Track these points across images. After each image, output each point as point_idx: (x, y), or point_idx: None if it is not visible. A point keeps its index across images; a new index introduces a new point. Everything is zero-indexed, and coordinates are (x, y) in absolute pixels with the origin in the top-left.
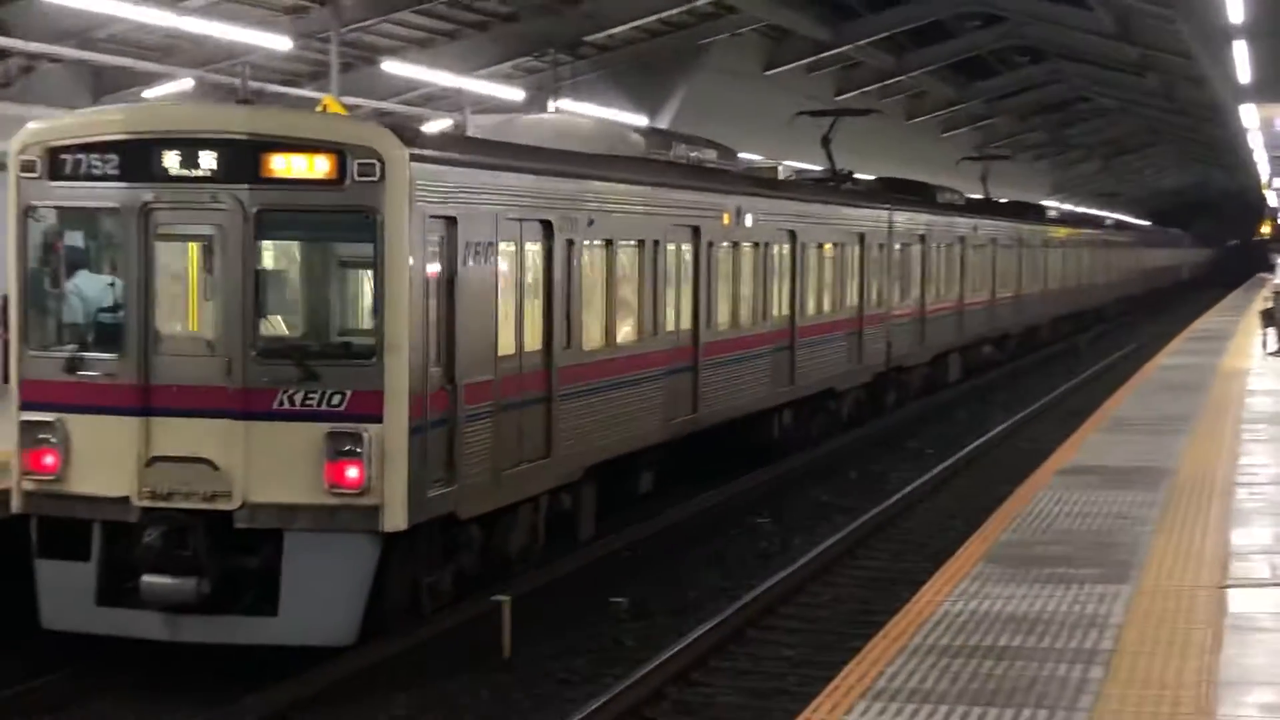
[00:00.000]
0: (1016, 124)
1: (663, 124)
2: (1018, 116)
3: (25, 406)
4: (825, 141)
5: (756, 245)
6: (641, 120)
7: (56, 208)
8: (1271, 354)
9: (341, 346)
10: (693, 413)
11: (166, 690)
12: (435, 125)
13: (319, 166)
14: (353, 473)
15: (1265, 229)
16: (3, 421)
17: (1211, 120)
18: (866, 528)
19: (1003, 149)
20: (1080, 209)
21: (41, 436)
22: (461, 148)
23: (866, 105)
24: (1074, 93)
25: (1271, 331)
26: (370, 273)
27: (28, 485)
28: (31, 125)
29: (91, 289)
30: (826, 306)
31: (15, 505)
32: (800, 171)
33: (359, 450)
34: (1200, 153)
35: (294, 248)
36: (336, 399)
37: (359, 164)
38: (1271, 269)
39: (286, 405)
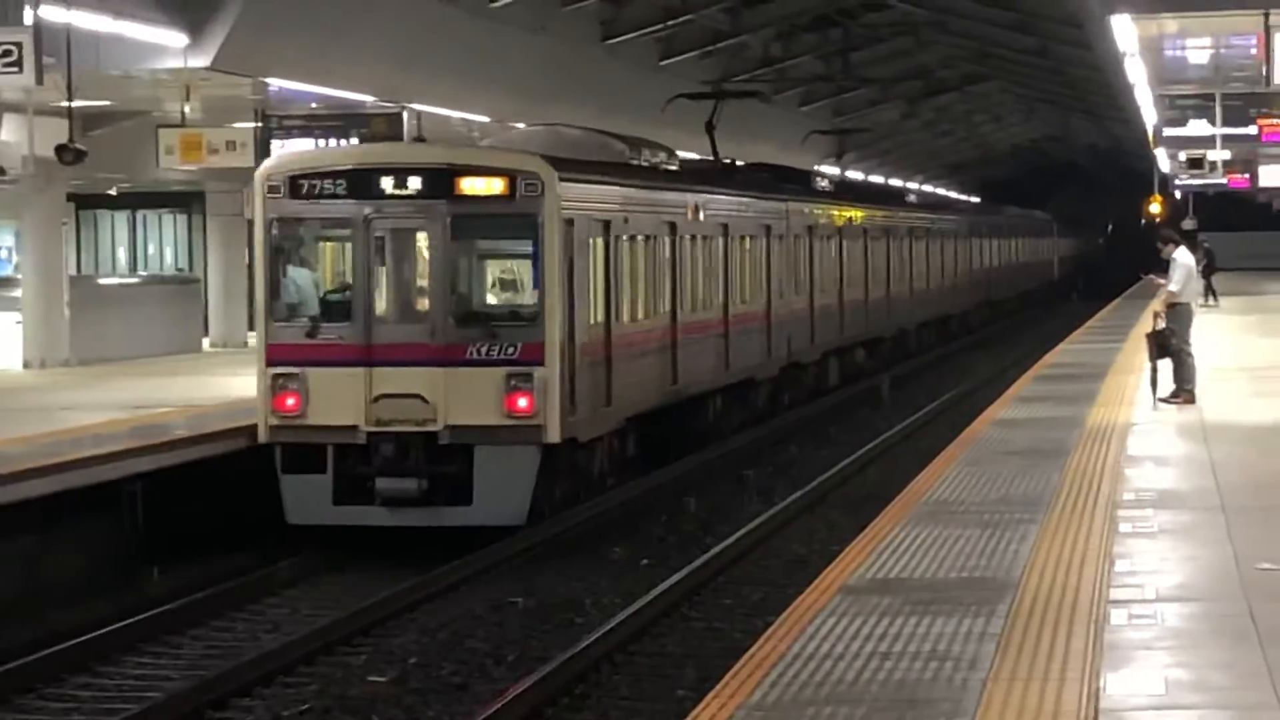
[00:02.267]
0: (775, 47)
1: (211, 46)
2: (776, 34)
3: (272, 363)
4: (709, 128)
5: (706, 238)
6: (181, 38)
7: (299, 219)
8: (1164, 401)
9: (513, 313)
10: (674, 384)
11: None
12: None
13: (496, 186)
14: (523, 402)
15: (1154, 207)
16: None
17: (1069, 41)
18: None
19: (754, 85)
20: (881, 182)
21: (286, 385)
22: (574, 169)
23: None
24: None
25: (1165, 366)
26: (531, 261)
27: (274, 421)
28: (274, 160)
29: (303, 280)
30: (749, 297)
31: (262, 436)
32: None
33: (529, 385)
34: (1053, 91)
35: (478, 244)
36: (511, 350)
37: (525, 184)
38: (1163, 268)
39: (475, 355)
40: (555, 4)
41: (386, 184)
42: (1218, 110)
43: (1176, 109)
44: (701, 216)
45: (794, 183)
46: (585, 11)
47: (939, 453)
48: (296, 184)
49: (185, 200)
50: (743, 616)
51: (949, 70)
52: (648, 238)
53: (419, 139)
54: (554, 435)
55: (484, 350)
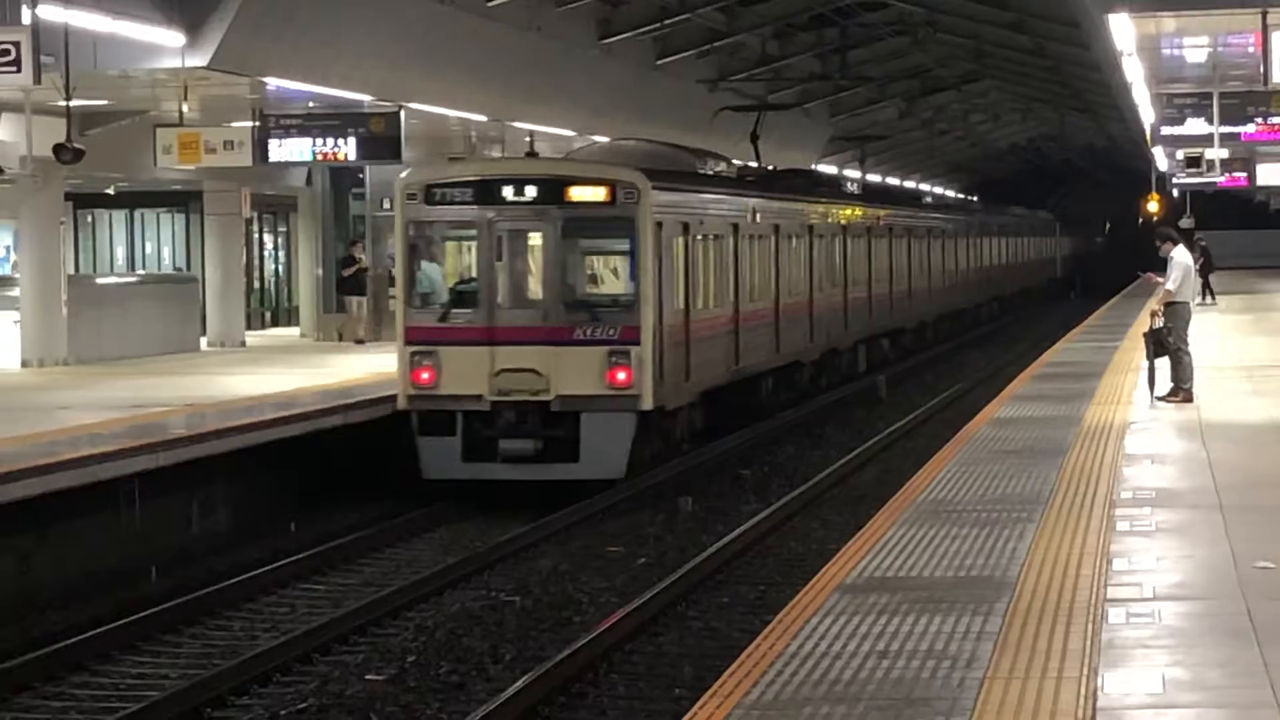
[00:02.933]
0: (772, 46)
1: (209, 45)
2: (773, 33)
3: (410, 343)
4: (754, 138)
5: (761, 237)
6: (178, 37)
7: (432, 222)
8: (1162, 399)
9: (612, 300)
10: (737, 365)
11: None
12: None
13: (600, 194)
14: (622, 375)
15: (1152, 205)
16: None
17: (1066, 40)
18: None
19: (750, 84)
20: (890, 181)
21: (422, 361)
22: (663, 178)
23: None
24: None
25: (1163, 364)
26: (628, 257)
27: (411, 391)
28: (411, 172)
29: (434, 273)
30: (795, 289)
31: (401, 404)
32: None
33: (627, 361)
34: (1050, 90)
35: (583, 242)
36: (611, 331)
37: (624, 192)
38: (1161, 266)
39: (581, 336)
40: (551, 3)
41: (507, 192)
42: (1215, 109)
43: (1174, 108)
44: (758, 218)
45: (828, 186)
46: (581, 10)
47: (936, 452)
48: (430, 192)
49: (183, 199)
50: (740, 615)
51: (946, 69)
52: (717, 237)
53: (531, 154)
54: (647, 403)
55: (589, 332)
